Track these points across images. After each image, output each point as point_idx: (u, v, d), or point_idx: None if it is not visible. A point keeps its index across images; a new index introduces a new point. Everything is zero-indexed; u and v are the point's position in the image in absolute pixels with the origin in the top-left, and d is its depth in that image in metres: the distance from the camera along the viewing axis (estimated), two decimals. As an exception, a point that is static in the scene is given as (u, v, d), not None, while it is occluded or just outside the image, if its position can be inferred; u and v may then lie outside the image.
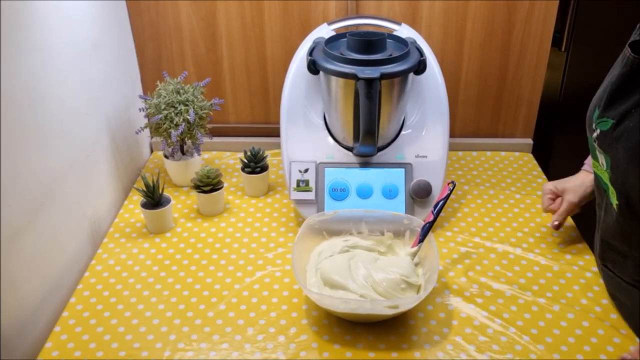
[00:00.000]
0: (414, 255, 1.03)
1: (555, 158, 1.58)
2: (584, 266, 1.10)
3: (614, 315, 0.99)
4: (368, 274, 0.98)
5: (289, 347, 0.94)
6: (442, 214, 1.24)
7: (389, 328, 0.97)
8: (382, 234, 1.09)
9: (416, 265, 1.03)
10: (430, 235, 1.03)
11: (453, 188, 1.04)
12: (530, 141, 1.51)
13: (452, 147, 1.50)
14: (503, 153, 1.51)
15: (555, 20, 1.37)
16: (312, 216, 1.08)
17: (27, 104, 0.94)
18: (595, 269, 1.09)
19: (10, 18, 0.88)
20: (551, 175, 1.41)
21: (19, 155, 0.91)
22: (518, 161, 1.47)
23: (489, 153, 1.51)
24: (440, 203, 1.03)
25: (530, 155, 1.50)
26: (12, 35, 0.89)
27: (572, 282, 1.06)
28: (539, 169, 1.44)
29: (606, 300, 1.02)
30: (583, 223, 1.24)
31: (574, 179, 1.13)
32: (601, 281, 1.01)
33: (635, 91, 0.79)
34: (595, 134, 0.85)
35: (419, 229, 1.04)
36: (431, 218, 1.03)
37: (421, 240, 1.03)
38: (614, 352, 0.92)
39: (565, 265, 1.11)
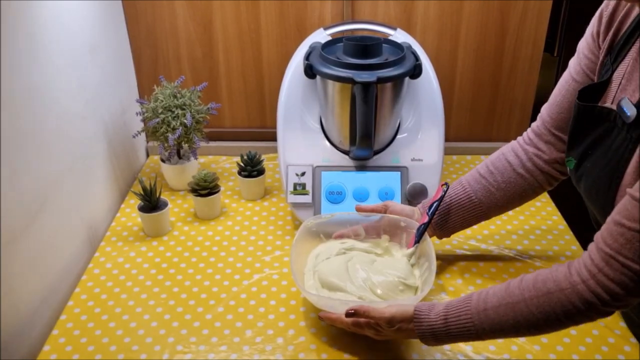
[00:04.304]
0: (410, 256, 1.04)
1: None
2: (578, 268, 1.11)
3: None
4: (366, 276, 0.99)
5: (287, 349, 0.94)
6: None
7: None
8: (379, 236, 1.09)
9: (413, 266, 1.03)
10: (426, 237, 1.03)
11: (447, 190, 1.05)
12: (523, 145, 1.53)
13: (446, 151, 1.50)
14: (497, 157, 1.52)
15: (547, 26, 1.39)
16: (309, 219, 1.09)
17: (25, 108, 0.94)
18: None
19: (7, 23, 0.88)
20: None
21: (17, 160, 0.91)
22: (512, 165, 1.48)
23: (483, 157, 1.52)
24: (435, 204, 1.04)
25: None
26: (10, 40, 0.89)
27: (566, 283, 1.08)
28: (533, 173, 1.45)
29: (600, 301, 1.03)
30: (576, 225, 1.25)
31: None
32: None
33: (589, 133, 0.83)
34: (568, 170, 0.89)
35: (415, 231, 1.05)
36: (426, 219, 1.04)
37: (417, 242, 1.03)
38: (608, 351, 0.93)
39: (559, 267, 1.12)
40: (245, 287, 1.07)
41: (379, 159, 1.21)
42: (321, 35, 1.25)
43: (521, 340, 0.95)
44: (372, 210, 1.10)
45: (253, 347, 0.94)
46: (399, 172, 1.20)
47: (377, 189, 1.19)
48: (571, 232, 1.22)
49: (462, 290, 1.06)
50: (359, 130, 1.10)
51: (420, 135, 1.23)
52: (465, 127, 1.53)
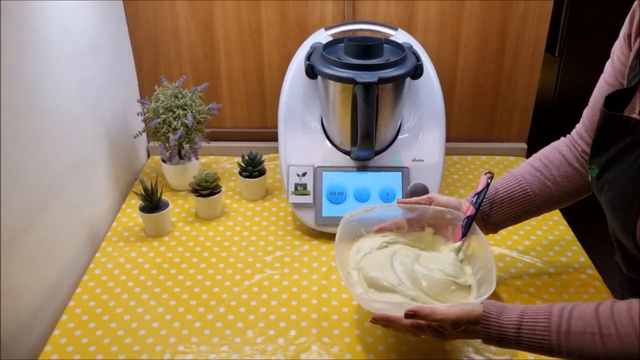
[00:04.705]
0: (457, 251, 0.97)
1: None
2: (579, 268, 1.12)
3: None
4: (414, 274, 0.92)
5: (288, 349, 0.94)
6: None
7: (387, 330, 0.97)
8: (423, 229, 1.02)
9: (461, 262, 0.97)
10: (477, 230, 0.97)
11: (491, 178, 0.98)
12: (524, 145, 1.53)
13: (447, 152, 1.50)
14: (498, 157, 1.52)
15: (548, 26, 1.39)
16: (348, 213, 1.02)
17: (26, 108, 0.94)
18: (590, 271, 1.11)
19: (7, 23, 0.88)
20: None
21: (19, 160, 0.91)
22: (512, 165, 1.49)
23: (483, 157, 1.52)
24: (480, 195, 0.97)
25: (525, 160, 1.51)
26: (11, 39, 0.89)
27: (568, 284, 1.08)
28: (534, 173, 1.45)
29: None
30: (578, 225, 1.25)
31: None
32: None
33: (613, 143, 0.80)
34: (589, 178, 0.86)
35: (461, 223, 0.98)
36: (472, 210, 0.96)
37: (464, 235, 0.97)
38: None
39: (560, 267, 1.12)
40: (246, 288, 1.07)
41: (380, 160, 1.21)
42: (322, 36, 1.25)
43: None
44: (416, 203, 1.02)
45: (254, 347, 0.94)
46: (400, 173, 1.20)
47: (379, 189, 1.19)
48: (578, 243, 1.20)
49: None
50: (360, 131, 1.10)
51: (421, 136, 1.23)
52: (466, 128, 1.53)
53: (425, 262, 0.96)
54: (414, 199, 1.04)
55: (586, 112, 0.96)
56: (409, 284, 0.91)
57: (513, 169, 1.03)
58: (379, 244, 1.00)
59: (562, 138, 1.02)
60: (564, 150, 0.99)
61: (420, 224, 1.02)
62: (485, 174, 1.00)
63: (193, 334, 0.97)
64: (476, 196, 0.97)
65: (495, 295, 1.04)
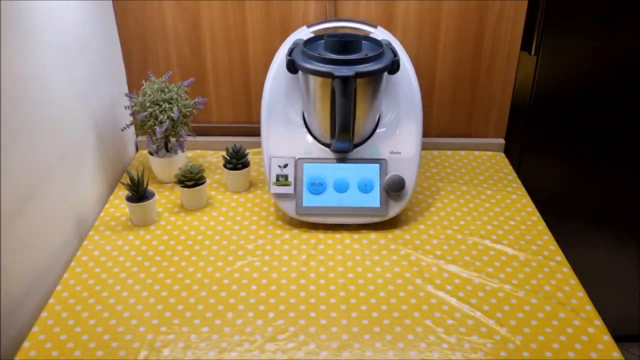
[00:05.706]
0: None
1: (526, 157, 1.64)
2: (548, 256, 1.16)
3: (575, 301, 1.04)
4: None
5: (266, 330, 0.98)
6: (416, 208, 1.30)
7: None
8: None
9: None
10: None
11: None
12: (502, 141, 1.58)
13: (427, 147, 1.56)
14: (476, 152, 1.57)
15: (524, 25, 1.44)
16: None
17: (16, 101, 0.98)
18: (559, 258, 1.15)
19: (0, 21, 0.92)
20: (522, 173, 1.48)
21: (8, 150, 0.95)
22: (490, 160, 1.53)
23: (463, 152, 1.57)
24: None
25: (502, 155, 1.56)
26: (4, 37, 0.93)
27: (537, 270, 1.12)
28: (510, 167, 1.50)
29: (568, 287, 1.08)
30: (549, 216, 1.30)
31: None
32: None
33: None
34: None
35: None
36: None
37: None
38: (581, 348, 0.96)
39: (531, 255, 1.16)
40: (228, 273, 1.11)
41: (359, 152, 1.25)
42: (304, 33, 1.29)
43: (490, 322, 0.99)
44: None
45: (234, 328, 0.98)
46: (378, 164, 1.24)
47: (357, 180, 1.23)
48: (549, 233, 1.24)
49: (437, 277, 1.10)
50: (338, 123, 1.14)
51: (398, 130, 1.27)
52: (446, 124, 1.57)
53: None
54: None
55: None
56: None
57: None
58: None
59: None
60: None
61: None
62: None
63: (175, 316, 1.01)
64: None
65: (467, 281, 1.09)
